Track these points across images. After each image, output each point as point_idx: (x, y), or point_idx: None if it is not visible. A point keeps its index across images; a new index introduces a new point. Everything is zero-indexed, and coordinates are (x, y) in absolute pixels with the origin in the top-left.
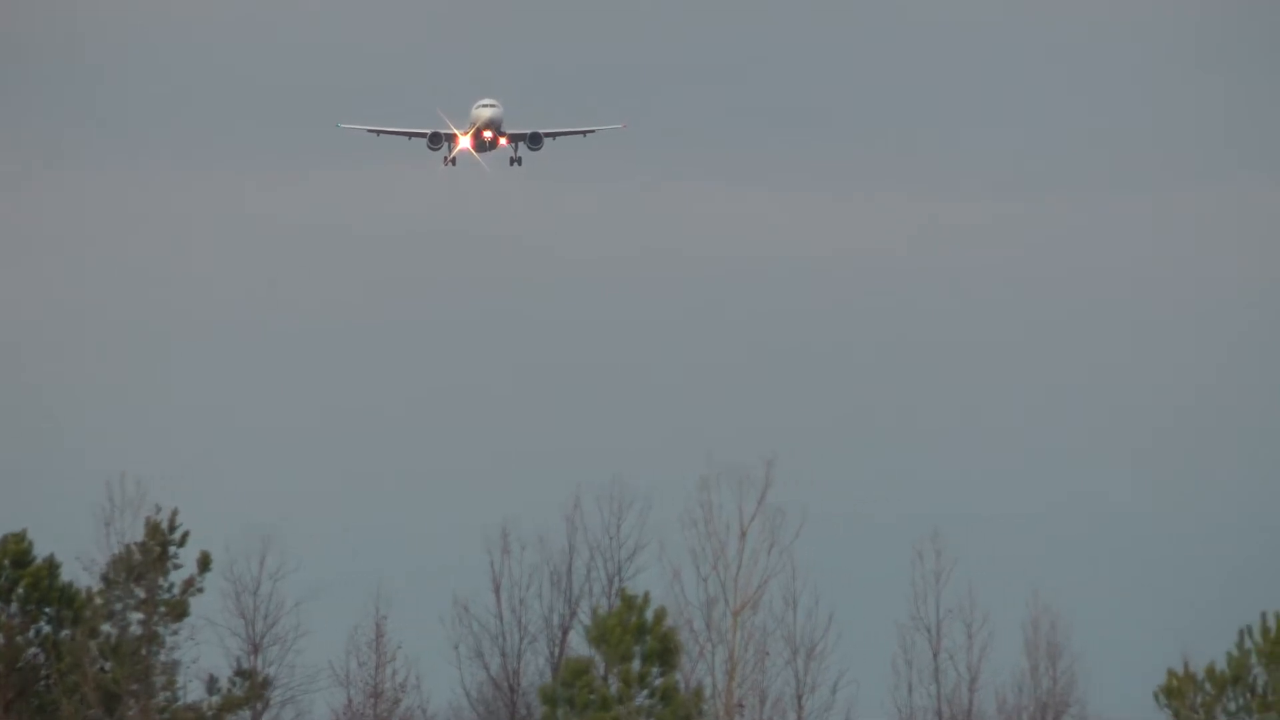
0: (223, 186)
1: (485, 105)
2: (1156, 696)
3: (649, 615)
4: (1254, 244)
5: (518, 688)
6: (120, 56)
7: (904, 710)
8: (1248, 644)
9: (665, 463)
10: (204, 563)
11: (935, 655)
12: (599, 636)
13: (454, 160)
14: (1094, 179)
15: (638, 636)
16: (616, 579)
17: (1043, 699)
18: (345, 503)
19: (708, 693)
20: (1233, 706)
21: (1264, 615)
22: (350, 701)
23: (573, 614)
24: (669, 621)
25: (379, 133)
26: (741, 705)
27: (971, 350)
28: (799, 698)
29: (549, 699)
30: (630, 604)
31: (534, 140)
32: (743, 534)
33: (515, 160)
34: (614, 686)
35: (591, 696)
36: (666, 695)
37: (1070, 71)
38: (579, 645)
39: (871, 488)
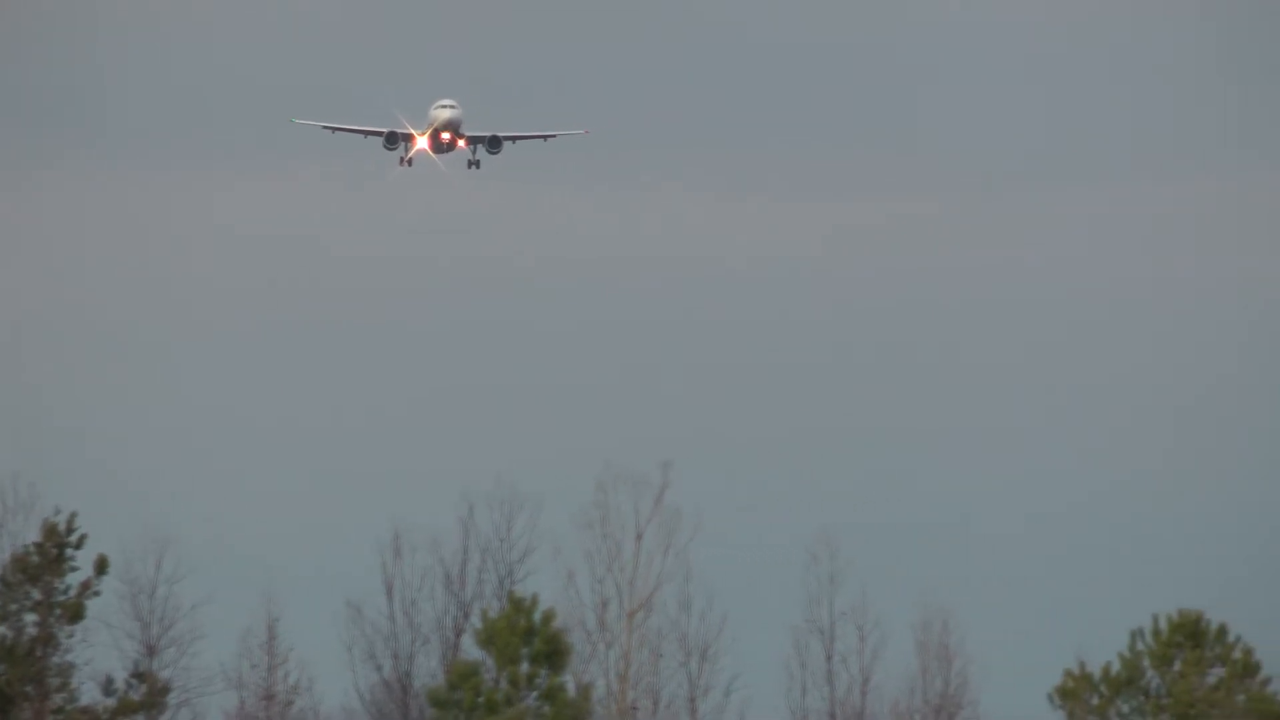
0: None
1: (444, 106)
2: (1051, 697)
3: (538, 617)
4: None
5: (410, 689)
6: (86, 54)
7: (797, 712)
8: (1140, 646)
9: (561, 466)
10: (101, 565)
11: (829, 658)
12: (488, 638)
13: (410, 161)
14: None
15: (526, 638)
16: (508, 581)
17: (935, 701)
18: (239, 506)
19: (601, 694)
20: (1126, 708)
21: (1155, 617)
22: (243, 704)
23: (465, 616)
24: (558, 623)
25: (334, 130)
26: (635, 707)
27: (866, 356)
28: (692, 700)
29: (438, 701)
30: (519, 606)
31: (493, 144)
32: (638, 537)
33: (473, 163)
34: (503, 688)
35: (480, 699)
36: (554, 696)
37: (1032, 67)
38: (472, 647)
39: (767, 492)
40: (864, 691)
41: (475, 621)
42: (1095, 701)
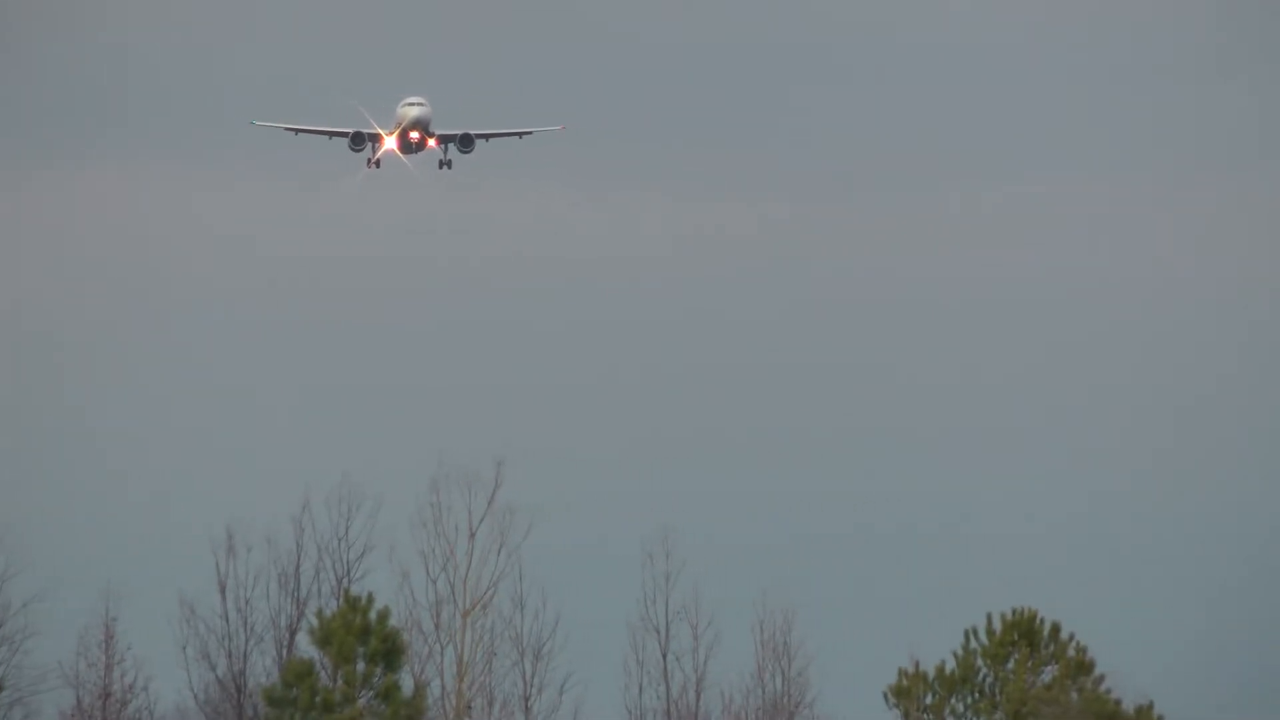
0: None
1: (412, 104)
2: (886, 696)
3: (374, 616)
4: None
5: (245, 688)
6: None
7: (634, 711)
8: (974, 644)
9: (396, 464)
10: None
11: (664, 656)
12: (323, 637)
13: (378, 162)
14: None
15: (362, 637)
16: (344, 580)
17: (772, 699)
18: (76, 503)
19: (437, 693)
20: (960, 706)
21: (989, 616)
22: (80, 702)
23: (300, 615)
24: (394, 622)
25: (297, 131)
26: (469, 706)
27: (712, 358)
28: (526, 699)
29: (273, 700)
30: (354, 605)
31: (465, 142)
32: (472, 535)
33: (445, 163)
34: (339, 687)
35: (315, 698)
36: (389, 695)
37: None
38: (307, 646)
39: (604, 489)
40: (699, 690)
41: (310, 620)
42: (930, 700)
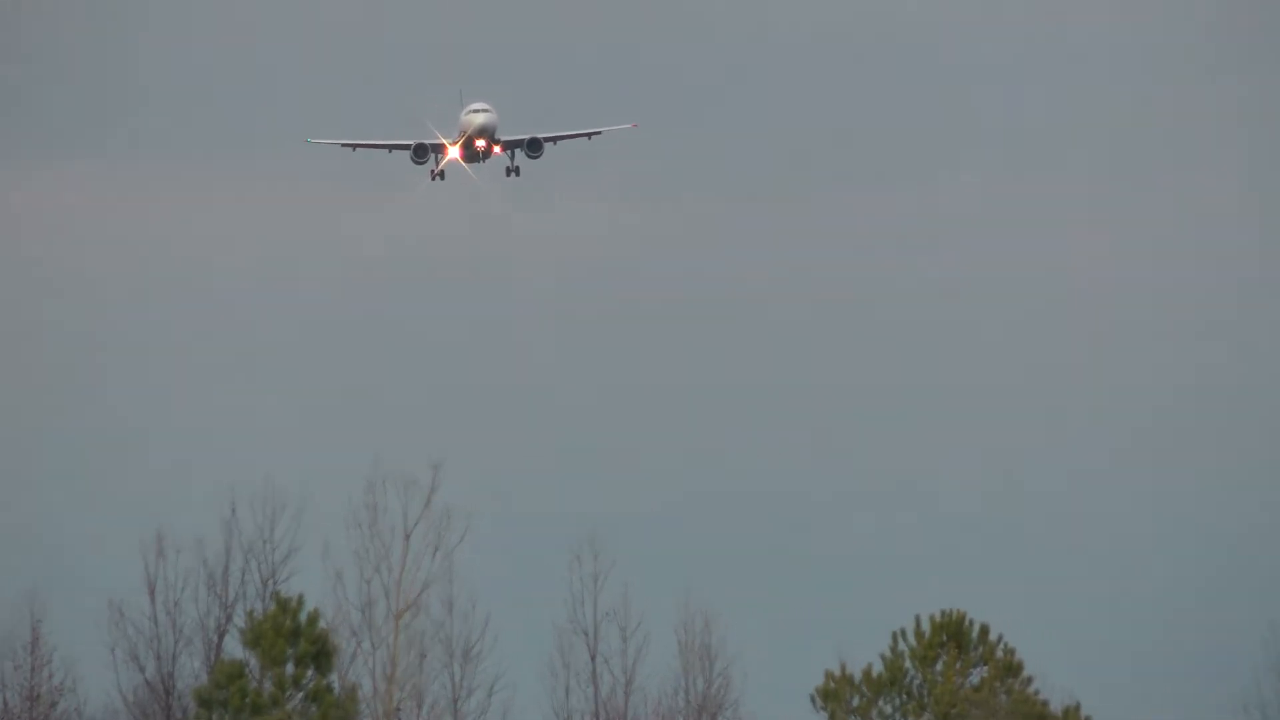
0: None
1: (477, 110)
2: (813, 698)
3: (304, 618)
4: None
5: (173, 690)
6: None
7: (561, 713)
8: (902, 646)
9: (329, 465)
10: None
11: (593, 658)
12: (253, 639)
13: (442, 174)
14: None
15: (291, 639)
16: (272, 581)
17: (698, 701)
18: (3, 506)
19: (367, 695)
20: (888, 708)
21: (918, 618)
22: (6, 704)
23: (228, 617)
24: (324, 624)
25: (355, 147)
26: (398, 709)
27: (642, 358)
28: (455, 701)
29: (203, 701)
30: (284, 606)
31: (533, 146)
32: (406, 537)
33: (512, 170)
34: (268, 689)
35: (245, 699)
36: (319, 697)
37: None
38: (236, 648)
39: (534, 490)
40: (627, 692)
41: (239, 622)
42: (857, 702)
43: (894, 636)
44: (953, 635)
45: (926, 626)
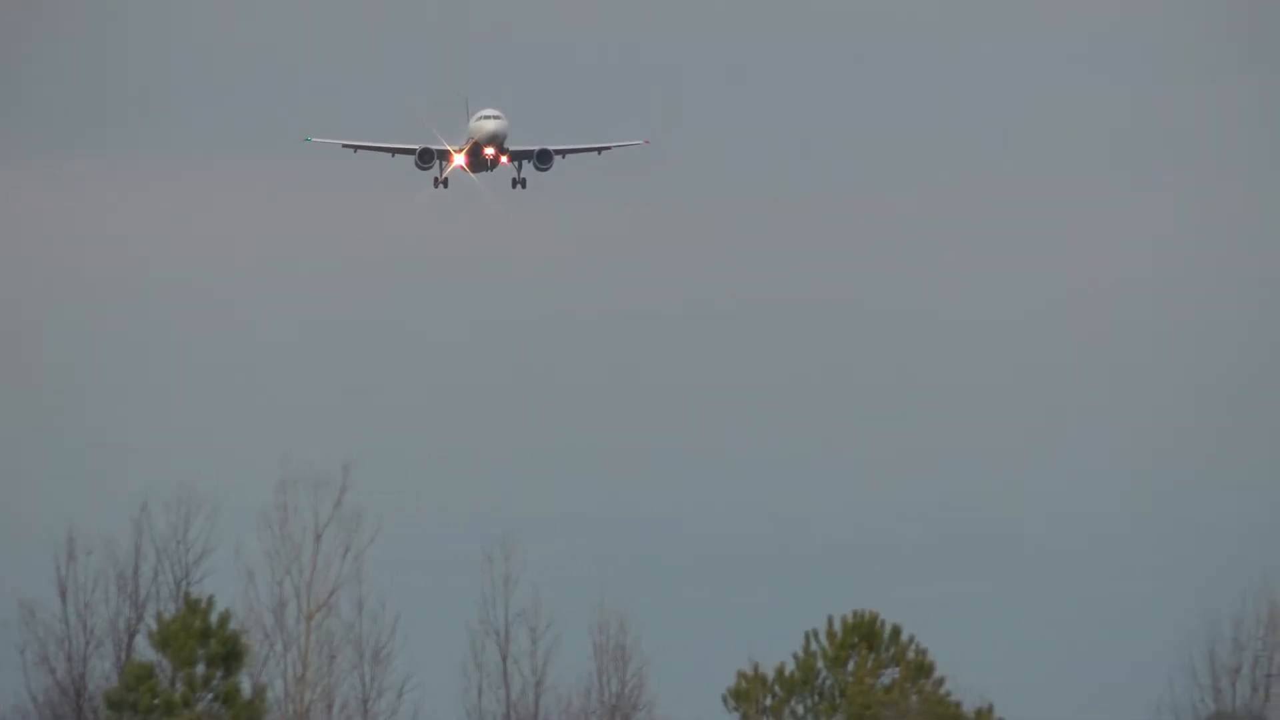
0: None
1: (487, 117)
2: (725, 699)
3: (214, 619)
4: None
5: (85, 692)
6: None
7: (473, 714)
8: (814, 646)
9: (241, 466)
10: None
11: (504, 659)
12: (162, 640)
13: (445, 182)
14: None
15: (202, 640)
16: (184, 583)
17: (611, 702)
18: None
19: (278, 696)
20: (800, 708)
21: (830, 618)
22: None
23: (139, 618)
24: (235, 625)
25: (356, 148)
26: (308, 710)
27: (561, 358)
28: (365, 702)
29: (113, 703)
30: (195, 608)
31: (542, 158)
32: (317, 538)
33: (519, 181)
34: (179, 690)
35: (155, 700)
36: (230, 698)
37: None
38: (147, 649)
39: (445, 490)
40: (538, 693)
41: (150, 623)
42: (769, 703)
43: (806, 637)
44: (864, 636)
45: (839, 627)
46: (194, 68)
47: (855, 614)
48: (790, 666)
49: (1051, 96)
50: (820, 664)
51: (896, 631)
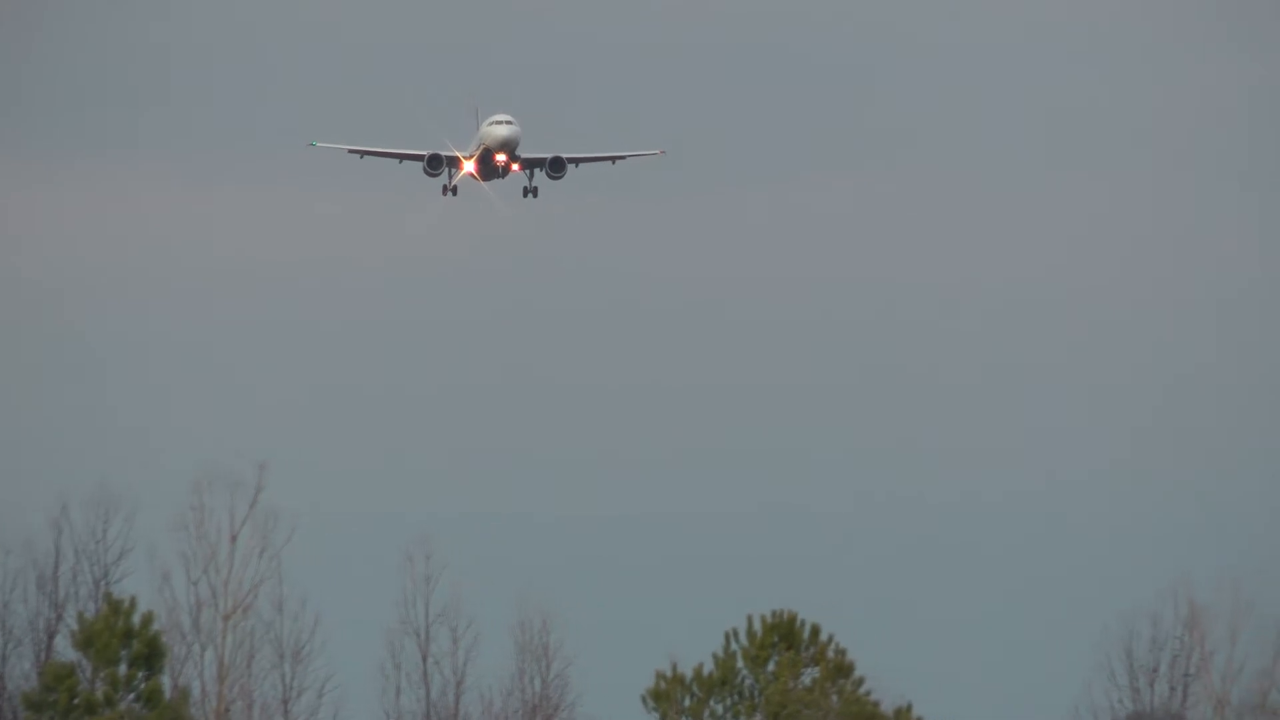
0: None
1: (499, 122)
2: (644, 699)
3: (137, 619)
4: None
5: (4, 692)
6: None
7: (392, 713)
8: (734, 646)
9: (157, 465)
10: None
11: (424, 659)
12: (84, 640)
13: (455, 189)
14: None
15: (124, 640)
16: (104, 583)
17: (532, 702)
18: None
19: (198, 696)
20: (720, 708)
21: (750, 618)
22: None
23: (58, 618)
24: (156, 625)
25: (362, 154)
26: (229, 710)
27: (481, 360)
28: (285, 702)
29: (32, 704)
30: (116, 608)
31: (555, 166)
32: (233, 538)
33: (530, 190)
34: (100, 690)
35: (75, 700)
36: (152, 698)
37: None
38: (66, 649)
39: (363, 490)
40: (458, 693)
41: (70, 623)
42: (688, 703)
43: (726, 636)
44: (784, 635)
45: (759, 626)
46: (194, 68)
47: (775, 614)
48: (709, 667)
49: (1052, 96)
50: (740, 664)
51: (816, 631)
